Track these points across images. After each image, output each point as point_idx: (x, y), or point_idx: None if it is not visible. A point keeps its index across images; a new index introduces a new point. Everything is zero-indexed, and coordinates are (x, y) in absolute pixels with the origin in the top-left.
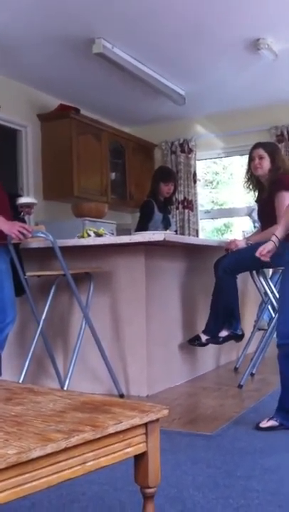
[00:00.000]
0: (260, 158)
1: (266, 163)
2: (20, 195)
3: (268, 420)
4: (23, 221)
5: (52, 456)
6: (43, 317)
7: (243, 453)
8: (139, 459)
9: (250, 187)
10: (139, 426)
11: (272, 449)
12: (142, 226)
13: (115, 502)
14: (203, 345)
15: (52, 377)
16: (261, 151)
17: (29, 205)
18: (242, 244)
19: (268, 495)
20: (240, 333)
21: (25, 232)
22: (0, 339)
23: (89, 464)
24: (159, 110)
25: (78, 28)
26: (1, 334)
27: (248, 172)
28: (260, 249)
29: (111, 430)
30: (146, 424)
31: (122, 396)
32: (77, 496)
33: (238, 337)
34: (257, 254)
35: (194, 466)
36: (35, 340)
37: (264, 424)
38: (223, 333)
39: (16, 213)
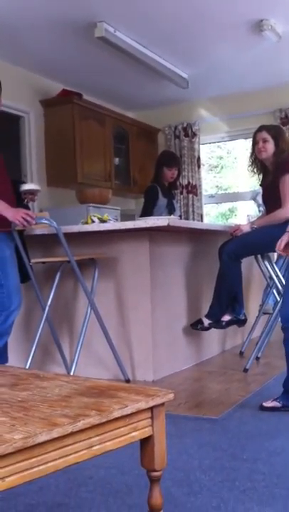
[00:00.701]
0: (264, 141)
1: (270, 147)
2: (24, 182)
3: (272, 401)
4: (27, 208)
5: (58, 441)
6: (49, 303)
7: (248, 436)
8: (145, 442)
9: (255, 170)
10: (145, 410)
11: (278, 432)
12: (146, 212)
13: (122, 485)
14: (206, 329)
15: (58, 363)
16: (265, 134)
17: (33, 192)
18: (246, 229)
19: (274, 477)
20: (243, 318)
21: (28, 218)
22: (6, 326)
23: (95, 448)
24: (162, 94)
25: (80, 11)
26: (7, 321)
27: (252, 155)
28: (277, 244)
29: (117, 414)
30: (151, 409)
31: (128, 381)
32: (84, 480)
33: (241, 322)
34: (277, 249)
35: (200, 450)
36: (41, 327)
37: (267, 403)
38: (226, 318)
39: (20, 200)
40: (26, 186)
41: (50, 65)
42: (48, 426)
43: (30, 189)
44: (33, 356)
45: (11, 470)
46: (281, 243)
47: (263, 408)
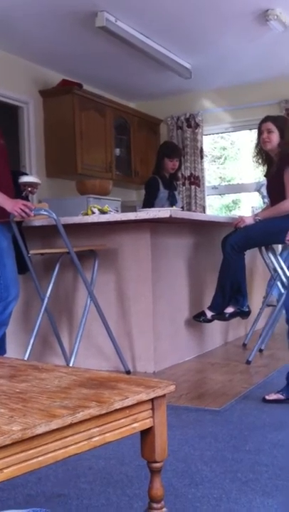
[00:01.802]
0: (269, 132)
1: (275, 137)
2: (24, 173)
3: (275, 393)
4: (26, 199)
5: (57, 432)
6: (48, 295)
7: (251, 428)
8: (146, 434)
9: (259, 161)
10: (146, 402)
11: (281, 424)
12: (148, 203)
13: (122, 476)
14: (209, 321)
15: (57, 355)
16: (270, 125)
17: (32, 185)
18: (250, 221)
19: (277, 469)
20: (246, 309)
21: (27, 210)
22: (4, 316)
23: (95, 439)
24: (164, 84)
25: (81, 1)
26: (5, 311)
27: (257, 146)
28: (288, 235)
29: (117, 406)
30: (152, 400)
31: (128, 373)
32: (83, 471)
33: (245, 314)
34: (287, 241)
35: (202, 441)
36: (39, 318)
37: (270, 396)
38: (230, 310)
39: (19, 191)
40: (26, 178)
41: (51, 54)
42: (47, 417)
43: (30, 182)
44: (31, 348)
45: (9, 461)
46: None
47: (265, 401)
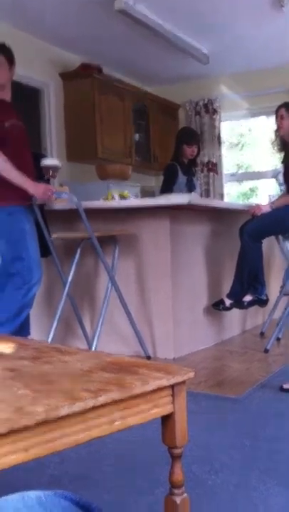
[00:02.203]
0: (281, 118)
1: (286, 123)
2: (45, 156)
3: None
4: (48, 183)
5: (80, 415)
6: (70, 279)
7: (269, 416)
8: (166, 419)
9: (276, 148)
10: (166, 387)
11: None
12: (166, 190)
13: (144, 461)
14: (227, 309)
15: (80, 338)
16: (282, 111)
17: (54, 168)
18: (266, 209)
19: None
20: (264, 298)
21: (49, 193)
22: (27, 299)
23: (116, 423)
24: (182, 69)
25: None
26: (28, 294)
27: (275, 133)
28: None
29: (138, 391)
30: (172, 386)
31: (148, 358)
32: (106, 454)
33: (263, 302)
34: None
35: (221, 428)
36: (62, 302)
37: (287, 385)
38: (248, 298)
39: (40, 174)
40: (48, 161)
41: (70, 37)
42: (70, 400)
43: (52, 165)
44: (54, 331)
45: (33, 442)
46: None
47: (282, 390)
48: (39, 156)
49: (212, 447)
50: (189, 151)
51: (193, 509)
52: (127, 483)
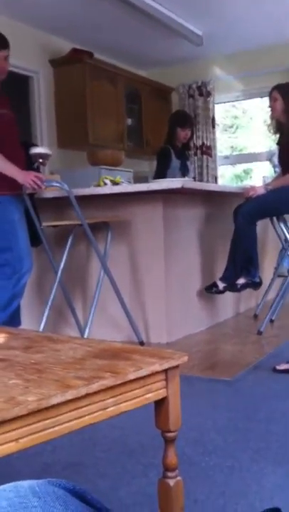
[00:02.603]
0: (274, 100)
1: (279, 105)
2: (35, 144)
3: (285, 363)
4: (38, 171)
5: (73, 403)
6: (61, 267)
7: (262, 397)
8: (160, 404)
9: (270, 130)
10: (159, 372)
11: None
12: (160, 174)
13: (137, 445)
14: (221, 292)
15: (72, 326)
16: (274, 93)
17: (43, 156)
18: (261, 191)
19: (288, 438)
20: (258, 280)
21: (39, 182)
22: (18, 288)
23: (110, 409)
24: (175, 52)
25: None
26: (19, 283)
27: (270, 115)
28: None
29: (131, 376)
30: (166, 371)
31: (142, 343)
32: (99, 440)
33: (256, 285)
34: None
35: (214, 411)
36: (53, 290)
37: (280, 366)
38: (241, 281)
39: (30, 163)
40: (37, 149)
41: (60, 22)
42: (62, 388)
43: (41, 153)
44: (46, 319)
45: (25, 431)
46: None
47: (275, 371)
48: (29, 144)
49: (205, 429)
50: (183, 134)
51: (186, 491)
52: (120, 468)
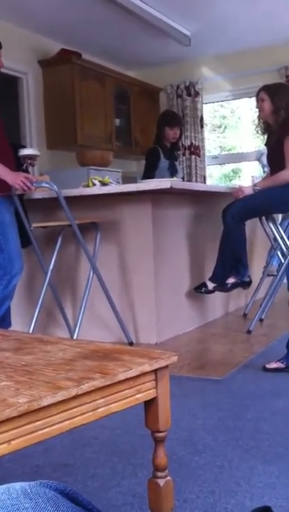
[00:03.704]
0: (261, 100)
1: (266, 105)
2: (24, 146)
3: (275, 362)
4: (27, 172)
5: (63, 404)
6: (51, 268)
7: (252, 396)
8: (150, 404)
9: (259, 131)
10: (149, 372)
11: (282, 392)
12: (148, 174)
13: (127, 446)
14: (210, 292)
15: (62, 327)
16: (262, 94)
17: (32, 157)
18: (249, 191)
19: (278, 436)
20: (247, 280)
21: (28, 184)
22: (8, 290)
23: (100, 410)
24: (163, 52)
25: None
26: (9, 285)
27: (258, 115)
28: None
29: (121, 377)
30: (155, 371)
31: (131, 344)
32: (89, 441)
33: (246, 284)
34: None
35: (204, 410)
36: (43, 291)
37: (270, 365)
38: (231, 280)
39: (19, 164)
40: (25, 151)
41: (49, 23)
42: (53, 389)
43: (29, 154)
44: (36, 320)
45: (16, 433)
46: None
47: (265, 370)
48: (18, 146)
49: (195, 429)
50: (171, 133)
51: (176, 490)
52: (110, 469)
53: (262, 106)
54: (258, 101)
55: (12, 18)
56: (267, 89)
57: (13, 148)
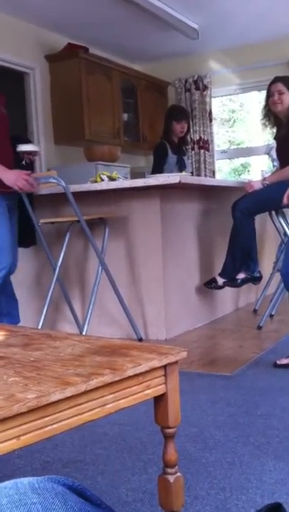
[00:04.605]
0: (280, 93)
1: (287, 99)
2: (27, 139)
3: (286, 358)
4: (31, 166)
5: (72, 399)
6: (59, 263)
7: (262, 392)
8: (159, 400)
9: (267, 123)
10: (158, 368)
11: None
12: (156, 169)
13: (136, 442)
14: (220, 288)
15: (71, 323)
16: (281, 86)
17: (31, 153)
18: (258, 186)
19: (288, 433)
20: (257, 275)
21: (31, 182)
22: None
23: (109, 406)
24: (171, 46)
25: None
26: None
27: (265, 108)
28: (285, 196)
29: (130, 373)
30: (165, 367)
31: (140, 340)
32: (99, 437)
33: (256, 279)
34: (285, 201)
35: (214, 406)
36: (52, 287)
37: (281, 361)
38: (241, 276)
39: (19, 159)
40: (23, 147)
41: (55, 18)
42: (62, 385)
43: (28, 150)
44: (45, 316)
45: (25, 429)
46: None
47: (276, 366)
48: (18, 140)
49: (205, 425)
50: (179, 127)
51: (187, 487)
52: (120, 465)
53: (281, 98)
54: (271, 93)
55: (18, 13)
56: (285, 82)
57: (14, 141)
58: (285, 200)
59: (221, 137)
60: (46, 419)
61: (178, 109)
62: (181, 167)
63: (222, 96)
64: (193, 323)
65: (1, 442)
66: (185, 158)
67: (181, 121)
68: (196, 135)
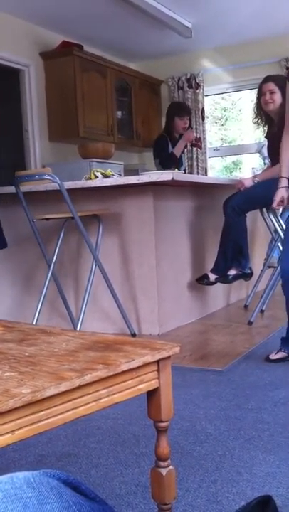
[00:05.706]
0: (272, 92)
1: (278, 98)
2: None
3: (277, 352)
4: None
5: (66, 394)
6: (54, 260)
7: (253, 387)
8: (152, 394)
9: (259, 122)
10: (151, 363)
11: (282, 383)
12: (165, 161)
13: (130, 436)
14: (212, 284)
15: (65, 318)
16: (272, 86)
17: None
18: (249, 183)
19: (279, 426)
20: (248, 271)
21: None
22: None
23: (103, 400)
24: (164, 44)
25: None
26: None
27: (256, 107)
28: (275, 201)
29: (124, 368)
30: (158, 362)
31: (134, 335)
32: (92, 431)
33: (247, 275)
34: (274, 206)
35: (206, 400)
36: (46, 283)
37: (273, 356)
38: (232, 272)
39: None
40: None
41: (50, 15)
42: (56, 380)
43: None
44: (39, 312)
45: (19, 423)
46: (276, 200)
47: (269, 360)
48: None
49: (197, 419)
50: (181, 123)
51: (179, 480)
52: (113, 458)
53: (272, 97)
54: (263, 92)
55: (13, 10)
56: (277, 81)
57: None
58: (274, 205)
59: (213, 135)
60: (41, 413)
61: (180, 105)
62: (178, 163)
63: (214, 94)
64: (186, 319)
65: None
66: (183, 155)
67: (184, 117)
68: None
